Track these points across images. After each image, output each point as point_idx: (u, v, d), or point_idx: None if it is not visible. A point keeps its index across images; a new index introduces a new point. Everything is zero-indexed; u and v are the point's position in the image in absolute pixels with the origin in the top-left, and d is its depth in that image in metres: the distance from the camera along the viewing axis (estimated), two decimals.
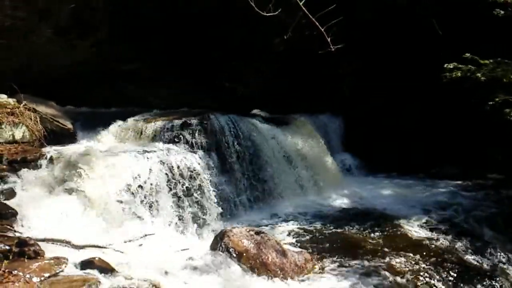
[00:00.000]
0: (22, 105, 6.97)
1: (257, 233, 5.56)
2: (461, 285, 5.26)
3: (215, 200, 6.76)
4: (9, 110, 6.79)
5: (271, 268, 5.14)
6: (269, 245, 5.37)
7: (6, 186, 5.52)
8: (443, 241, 6.31)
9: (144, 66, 9.88)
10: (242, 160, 7.71)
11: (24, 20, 8.29)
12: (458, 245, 6.19)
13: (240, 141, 7.79)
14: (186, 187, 6.50)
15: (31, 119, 6.88)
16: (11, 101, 7.02)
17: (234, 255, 5.15)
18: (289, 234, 6.53)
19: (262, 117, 9.27)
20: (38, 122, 6.96)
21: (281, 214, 7.42)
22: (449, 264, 5.63)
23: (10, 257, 4.23)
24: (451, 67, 6.79)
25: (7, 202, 5.30)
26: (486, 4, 6.87)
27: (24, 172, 5.80)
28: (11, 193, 5.45)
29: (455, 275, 5.40)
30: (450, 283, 5.27)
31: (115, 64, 9.55)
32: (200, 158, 6.99)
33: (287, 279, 5.12)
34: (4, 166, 5.89)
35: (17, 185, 5.58)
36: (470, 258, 5.88)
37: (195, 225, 6.37)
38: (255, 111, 9.95)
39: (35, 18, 8.46)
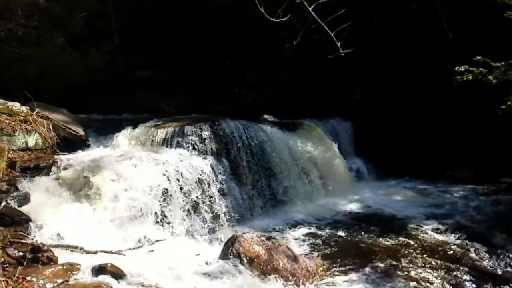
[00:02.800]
0: (35, 112, 7.05)
1: (268, 238, 5.54)
2: None
3: (226, 206, 6.77)
4: (22, 117, 6.86)
5: (283, 273, 5.12)
6: (280, 250, 5.36)
7: (19, 193, 5.56)
8: (455, 246, 6.25)
9: (156, 73, 10.00)
10: (252, 165, 7.71)
11: (37, 28, 8.44)
12: (471, 250, 6.12)
13: (250, 147, 7.79)
14: (197, 193, 6.51)
15: (43, 126, 6.95)
16: (24, 109, 7.10)
17: (245, 261, 5.13)
18: (300, 240, 6.51)
19: (271, 122, 9.27)
20: (51, 129, 7.02)
21: (292, 219, 7.40)
22: (462, 269, 5.56)
23: (24, 263, 4.28)
24: (462, 70, 6.77)
25: (20, 208, 5.35)
26: (497, 7, 6.84)
27: (37, 179, 5.85)
28: (24, 200, 5.49)
29: (468, 280, 5.33)
30: None
31: (128, 72, 9.68)
32: (210, 163, 7.00)
33: (298, 285, 5.10)
34: (18, 173, 5.95)
35: (30, 191, 5.62)
36: (483, 263, 5.81)
37: (206, 230, 6.38)
38: (265, 116, 9.95)
39: (48, 27, 8.60)
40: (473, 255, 6.00)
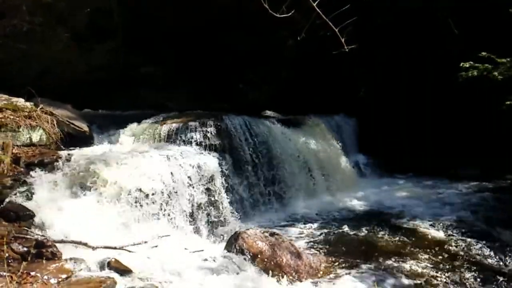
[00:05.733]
0: (39, 108, 7.07)
1: (272, 234, 5.55)
2: (478, 287, 5.17)
3: (229, 202, 6.78)
4: (26, 113, 6.88)
5: (286, 270, 5.13)
6: (284, 246, 5.36)
7: (23, 188, 5.58)
8: (460, 243, 6.22)
9: (157, 71, 10.00)
10: (255, 161, 7.71)
11: (42, 25, 8.44)
12: (476, 247, 6.10)
13: (253, 143, 7.79)
14: (200, 189, 6.53)
15: (48, 122, 6.97)
16: (29, 104, 7.12)
17: (249, 257, 5.14)
18: (303, 236, 6.51)
19: (275, 118, 9.26)
20: (55, 125, 7.04)
21: (295, 215, 7.40)
22: (466, 266, 5.55)
23: (29, 258, 4.29)
24: (467, 66, 6.72)
25: (24, 204, 5.37)
26: (502, 2, 6.80)
27: (41, 174, 5.86)
28: (28, 195, 5.52)
29: (472, 277, 5.31)
30: (468, 285, 5.17)
31: (130, 70, 9.67)
32: (214, 159, 7.00)
33: (301, 281, 5.10)
34: (22, 169, 5.98)
35: (34, 187, 5.64)
36: (488, 260, 5.79)
37: (210, 226, 6.40)
38: (268, 112, 9.95)
39: (52, 23, 8.60)
40: (477, 252, 5.97)
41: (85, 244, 4.96)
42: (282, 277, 5.04)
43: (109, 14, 9.26)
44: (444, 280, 5.21)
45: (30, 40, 8.36)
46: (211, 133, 7.37)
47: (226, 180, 6.93)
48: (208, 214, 6.47)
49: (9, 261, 4.39)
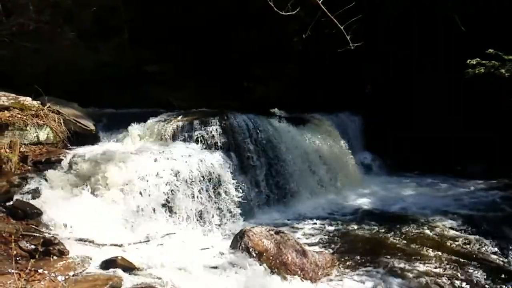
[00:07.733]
0: (46, 107, 7.13)
1: (277, 232, 5.54)
2: (485, 286, 5.14)
3: (235, 200, 6.78)
4: (33, 112, 6.96)
5: (291, 268, 5.12)
6: (289, 244, 5.36)
7: (31, 187, 5.63)
8: (467, 240, 6.19)
9: (164, 68, 10.03)
10: (260, 159, 7.71)
11: (48, 23, 8.50)
12: (482, 245, 6.07)
13: (258, 141, 7.79)
14: (206, 187, 6.54)
15: (55, 120, 7.03)
16: (36, 103, 7.18)
17: (254, 255, 5.14)
18: (309, 234, 6.50)
19: (280, 116, 9.25)
20: (62, 123, 7.11)
21: (300, 213, 7.39)
22: (473, 265, 5.51)
23: (36, 256, 4.33)
24: (474, 63, 6.67)
25: (32, 202, 5.42)
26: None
27: (48, 172, 5.91)
28: (36, 193, 5.56)
29: (479, 275, 5.28)
30: (474, 283, 5.15)
31: (136, 67, 9.72)
32: (219, 158, 7.02)
33: (307, 279, 5.09)
34: (29, 167, 6.04)
35: (41, 185, 5.69)
36: (494, 258, 5.75)
37: (215, 224, 6.41)
38: (274, 110, 9.94)
39: (59, 21, 8.67)
40: (484, 250, 5.94)
41: (92, 242, 5.00)
42: (288, 275, 5.04)
43: (115, 12, 9.31)
44: (451, 279, 5.19)
45: (37, 38, 8.42)
46: (216, 132, 7.37)
47: (231, 178, 6.92)
48: (213, 212, 6.48)
49: (17, 258, 4.43)
